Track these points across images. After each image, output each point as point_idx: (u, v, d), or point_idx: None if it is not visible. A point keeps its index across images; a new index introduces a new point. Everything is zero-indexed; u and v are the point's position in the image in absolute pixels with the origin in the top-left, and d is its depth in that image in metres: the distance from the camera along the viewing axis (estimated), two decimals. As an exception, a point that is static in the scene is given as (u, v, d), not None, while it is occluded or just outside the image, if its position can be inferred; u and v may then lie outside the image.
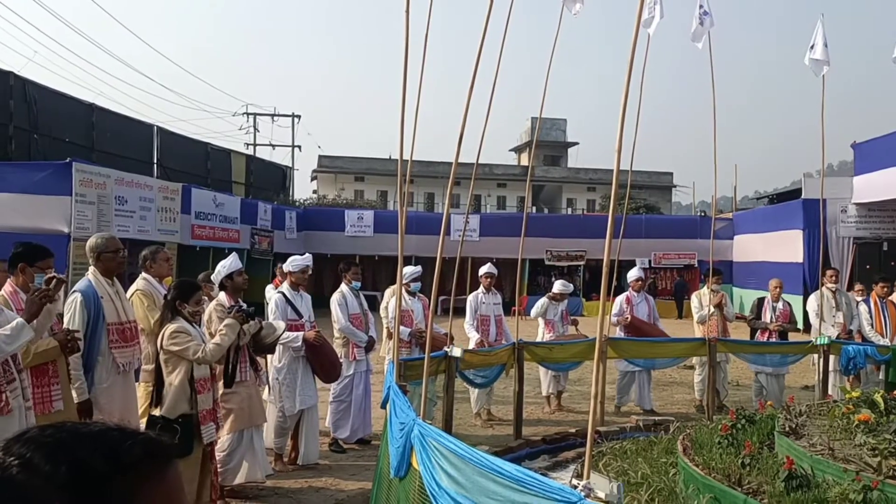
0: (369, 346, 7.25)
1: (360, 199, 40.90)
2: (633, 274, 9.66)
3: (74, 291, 4.84)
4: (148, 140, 22.06)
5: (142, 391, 5.43)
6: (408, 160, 4.88)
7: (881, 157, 18.29)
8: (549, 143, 52.63)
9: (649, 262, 27.04)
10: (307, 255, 7.00)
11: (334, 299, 7.19)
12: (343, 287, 7.31)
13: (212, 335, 5.44)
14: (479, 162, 6.30)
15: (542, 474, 5.41)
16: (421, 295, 8.11)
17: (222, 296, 5.79)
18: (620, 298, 9.49)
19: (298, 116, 39.27)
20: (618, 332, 9.22)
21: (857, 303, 9.20)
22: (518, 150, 56.16)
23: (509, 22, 5.95)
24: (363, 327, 7.19)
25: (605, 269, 2.82)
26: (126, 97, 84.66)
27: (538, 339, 9.02)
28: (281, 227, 24.65)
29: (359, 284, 7.43)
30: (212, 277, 6.13)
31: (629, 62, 2.77)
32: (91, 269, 4.97)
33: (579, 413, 8.77)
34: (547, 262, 26.68)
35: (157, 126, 22.88)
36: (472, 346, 8.18)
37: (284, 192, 32.62)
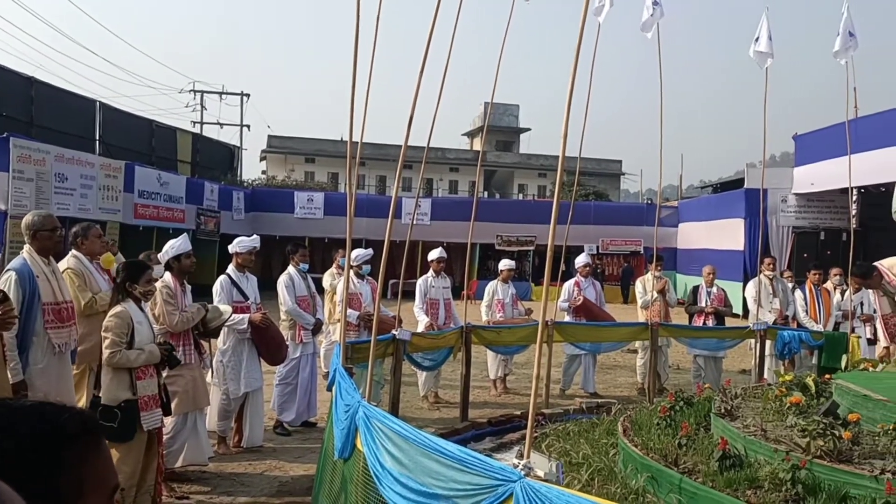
0: (316, 328, 7.21)
1: (310, 181, 40.47)
2: (580, 260, 9.81)
3: (9, 270, 4.68)
4: (90, 116, 21.38)
5: (77, 372, 5.31)
6: (358, 142, 4.84)
7: (821, 149, 18.89)
8: (501, 129, 52.83)
9: (597, 248, 27.50)
10: (255, 236, 6.91)
11: (281, 281, 7.13)
12: (290, 269, 7.24)
13: (156, 318, 5.35)
14: (432, 146, 6.30)
15: (486, 455, 5.49)
16: (370, 278, 8.10)
17: (168, 276, 5.67)
18: (569, 284, 9.64)
19: (248, 95, 38.50)
20: (566, 317, 9.36)
21: (793, 289, 9.53)
22: (471, 134, 56.26)
23: (461, 6, 5.93)
24: (310, 310, 7.15)
25: (549, 254, 2.86)
26: (67, 71, 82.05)
27: (484, 319, 9.13)
28: (228, 208, 24.24)
29: (306, 267, 7.37)
30: (159, 257, 5.99)
31: (576, 49, 2.80)
32: (26, 247, 4.81)
33: (525, 396, 8.89)
34: (497, 247, 26.87)
35: (100, 101, 22.20)
36: (420, 329, 8.22)
37: (232, 172, 32.04)
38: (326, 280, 8.40)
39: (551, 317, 8.53)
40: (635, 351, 10.03)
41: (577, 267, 9.78)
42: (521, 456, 2.79)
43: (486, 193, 47.99)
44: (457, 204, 27.42)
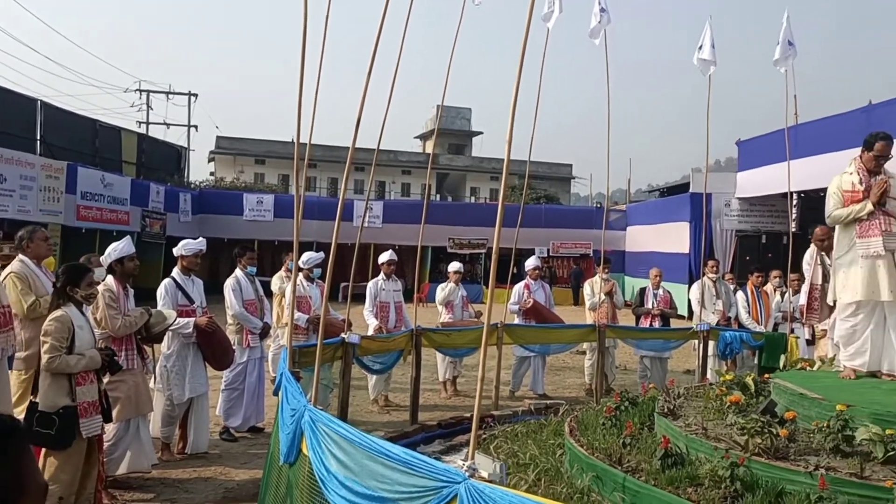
0: (264, 332, 7.13)
1: (260, 183, 39.91)
2: (530, 263, 9.91)
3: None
4: (31, 115, 20.72)
5: (15, 379, 5.14)
6: (306, 143, 4.81)
7: (763, 155, 19.46)
8: (453, 132, 52.98)
9: (548, 250, 27.80)
10: (201, 238, 6.79)
11: (228, 284, 7.02)
12: (238, 272, 7.14)
13: (97, 322, 5.22)
14: (385, 148, 6.31)
15: (435, 458, 5.49)
16: (319, 281, 8.05)
17: (110, 280, 5.53)
18: (519, 286, 9.73)
19: (195, 95, 37.86)
20: (516, 319, 9.45)
21: (735, 291, 9.80)
22: (423, 137, 56.29)
23: (412, 7, 5.95)
24: (258, 313, 7.06)
25: (494, 257, 2.89)
26: (7, 69, 79.08)
27: (440, 322, 9.16)
28: (175, 210, 23.79)
29: (254, 270, 7.28)
30: (101, 260, 5.84)
31: (520, 54, 2.84)
32: (-41, 250, 4.65)
33: (475, 398, 8.94)
34: (450, 250, 26.95)
35: (41, 100, 21.53)
36: (370, 332, 8.19)
37: (179, 173, 31.42)
38: (275, 283, 8.30)
39: (501, 319, 8.61)
40: (584, 352, 10.17)
41: (526, 270, 9.88)
42: (467, 458, 2.81)
43: (438, 196, 48.09)
44: (409, 206, 27.41)
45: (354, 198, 27.91)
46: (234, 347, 6.63)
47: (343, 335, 6.40)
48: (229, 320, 7.00)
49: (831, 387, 4.99)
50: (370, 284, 8.62)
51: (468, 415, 7.67)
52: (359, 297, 8.88)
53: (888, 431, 3.91)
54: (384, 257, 8.79)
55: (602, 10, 8.37)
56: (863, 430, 3.98)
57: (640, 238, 26.28)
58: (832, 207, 5.38)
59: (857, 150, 5.47)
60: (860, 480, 3.64)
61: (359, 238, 6.37)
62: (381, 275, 8.67)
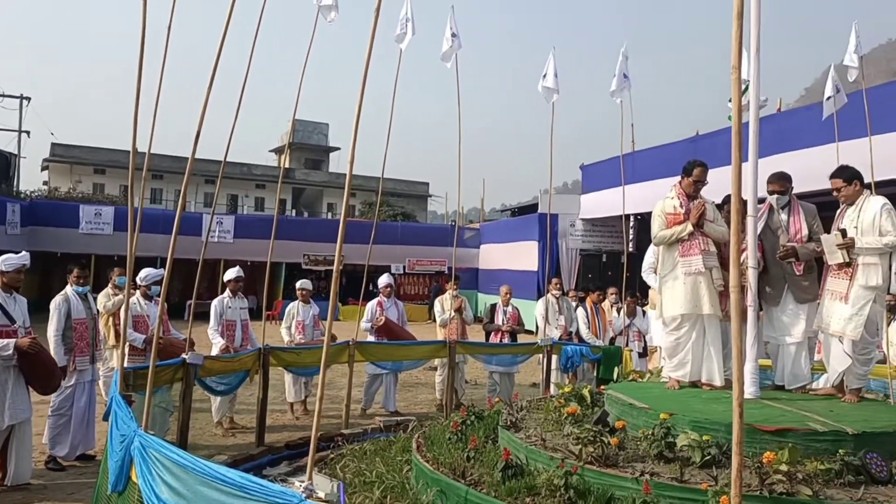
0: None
1: (99, 194, 37.47)
2: (382, 280, 9.95)
3: None
4: None
5: None
6: (145, 153, 4.59)
7: (603, 178, 20.70)
8: (310, 147, 52.36)
9: (403, 267, 28.01)
10: (24, 252, 6.26)
11: (54, 303, 6.52)
12: (68, 290, 6.65)
13: None
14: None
15: (281, 480, 5.35)
16: (157, 298, 7.64)
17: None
18: (372, 304, 9.73)
19: (28, 99, 34.99)
20: (369, 337, 9.43)
21: (575, 308, 10.31)
22: (278, 151, 55.18)
23: (262, 19, 5.85)
24: (88, 334, 6.60)
25: (335, 274, 2.88)
26: None
27: (286, 340, 8.98)
28: (2, 222, 21.79)
29: (87, 288, 6.81)
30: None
31: (363, 73, 2.86)
32: None
33: (325, 417, 8.80)
34: (304, 266, 26.47)
35: None
36: (215, 351, 7.88)
37: (8, 181, 28.87)
38: (101, 301, 7.77)
39: (353, 336, 8.56)
40: (435, 368, 10.31)
41: (380, 287, 9.91)
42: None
43: (293, 212, 47.24)
44: (262, 221, 26.67)
45: (204, 211, 26.82)
46: (60, 370, 6.15)
47: (184, 355, 6.10)
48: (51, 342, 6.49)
49: (657, 397, 5.36)
50: (215, 302, 8.29)
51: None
52: (203, 316, 8.53)
53: (705, 437, 4.23)
54: (230, 274, 8.50)
55: (454, 34, 8.61)
56: (683, 437, 4.29)
57: (493, 256, 27.08)
58: (657, 229, 5.82)
59: (685, 177, 5.95)
60: (680, 484, 3.91)
61: (202, 254, 6.13)
62: (227, 292, 8.37)
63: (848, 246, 5.15)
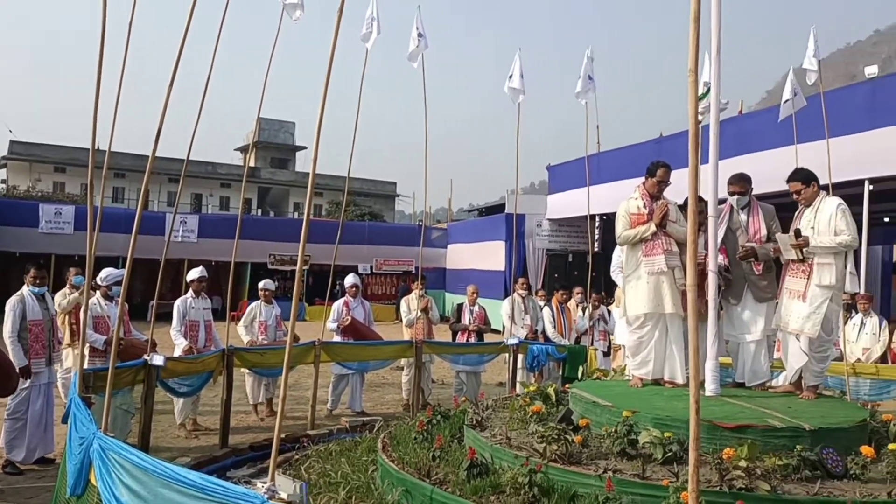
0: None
1: (59, 193, 36.72)
2: (348, 280, 9.91)
3: None
4: None
5: None
6: (106, 150, 4.52)
7: (570, 179, 20.88)
8: (276, 146, 51.92)
9: (371, 267, 27.92)
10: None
11: (9, 304, 6.39)
12: (24, 290, 6.52)
13: None
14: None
15: (244, 482, 5.30)
16: (118, 299, 7.51)
17: None
18: (338, 304, 9.68)
19: (-16, 94, 34.15)
20: (335, 337, 9.38)
21: (541, 308, 10.39)
22: (244, 149, 54.59)
23: (226, 15, 5.80)
24: (43, 335, 6.47)
25: (297, 274, 2.87)
26: None
27: (245, 340, 8.89)
28: (-44, 221, 21.27)
29: (44, 289, 6.67)
30: None
31: (326, 73, 2.85)
32: None
33: (291, 419, 8.74)
34: (270, 266, 26.23)
35: None
36: (178, 353, 7.79)
37: (-38, 179, 28.18)
38: (57, 301, 7.62)
39: (319, 336, 8.51)
40: (402, 368, 10.30)
41: (346, 287, 9.87)
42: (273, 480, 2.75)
43: (259, 211, 46.81)
44: (226, 221, 26.36)
45: (167, 211, 26.43)
46: (17, 372, 6.02)
47: (146, 357, 6.01)
48: (7, 343, 6.36)
49: (621, 394, 5.42)
50: (178, 303, 8.18)
51: (282, 436, 7.48)
52: (166, 317, 8.41)
53: (666, 434, 4.30)
54: (193, 274, 8.39)
55: (420, 35, 8.62)
56: (645, 434, 4.35)
57: (460, 256, 27.13)
58: (621, 229, 5.89)
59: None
60: (642, 480, 3.97)
61: (164, 253, 6.05)
62: (191, 292, 8.27)
63: (801, 245, 5.27)
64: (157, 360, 6.04)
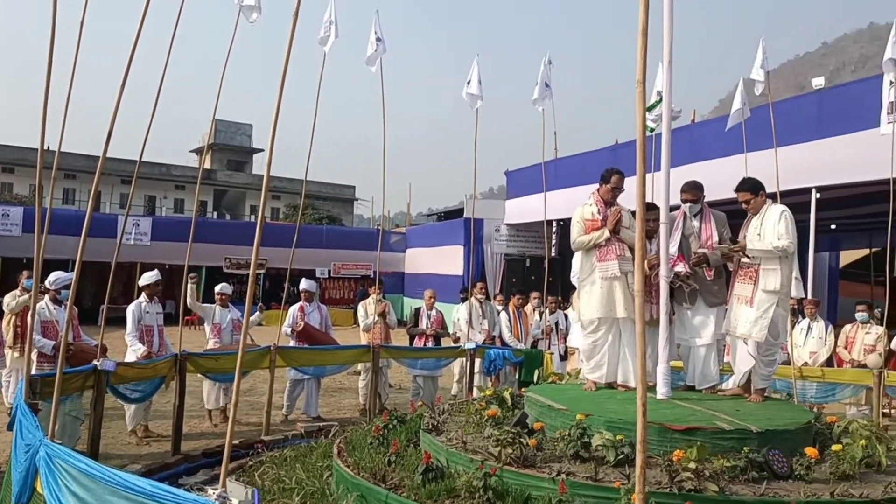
0: None
1: (7, 193, 35.69)
2: (302, 285, 9.87)
3: None
4: None
5: None
6: (55, 151, 4.43)
7: (527, 185, 21.04)
8: (232, 148, 51.27)
9: (329, 271, 27.73)
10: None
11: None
12: (-31, 293, 6.33)
13: None
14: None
15: (196, 489, 5.23)
16: (67, 303, 7.35)
17: None
18: (294, 308, 9.61)
19: (-73, 90, 33.03)
20: (291, 342, 9.30)
21: (499, 312, 10.45)
22: (199, 151, 53.78)
23: (181, 14, 5.72)
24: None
25: (251, 279, 2.85)
26: None
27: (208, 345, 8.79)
28: None
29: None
30: None
31: (282, 75, 2.85)
32: None
33: (246, 425, 8.64)
34: (226, 270, 25.85)
35: None
36: (133, 357, 7.65)
37: None
38: (6, 302, 7.43)
39: (275, 341, 8.43)
40: (359, 373, 10.25)
41: (301, 291, 9.81)
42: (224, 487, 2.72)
43: (215, 214, 46.14)
44: (180, 223, 25.88)
45: (119, 213, 25.90)
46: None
47: (95, 362, 5.89)
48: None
49: (575, 398, 5.49)
50: (132, 307, 8.02)
51: (236, 442, 7.39)
52: (117, 321, 8.25)
53: (619, 437, 4.37)
54: (147, 278, 8.24)
55: (378, 39, 8.62)
56: (598, 437, 4.42)
57: (419, 260, 27.13)
58: (576, 235, 5.98)
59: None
60: (594, 483, 4.02)
61: (115, 257, 5.93)
62: (143, 296, 8.12)
63: (736, 251, 5.47)
64: (108, 365, 5.93)
